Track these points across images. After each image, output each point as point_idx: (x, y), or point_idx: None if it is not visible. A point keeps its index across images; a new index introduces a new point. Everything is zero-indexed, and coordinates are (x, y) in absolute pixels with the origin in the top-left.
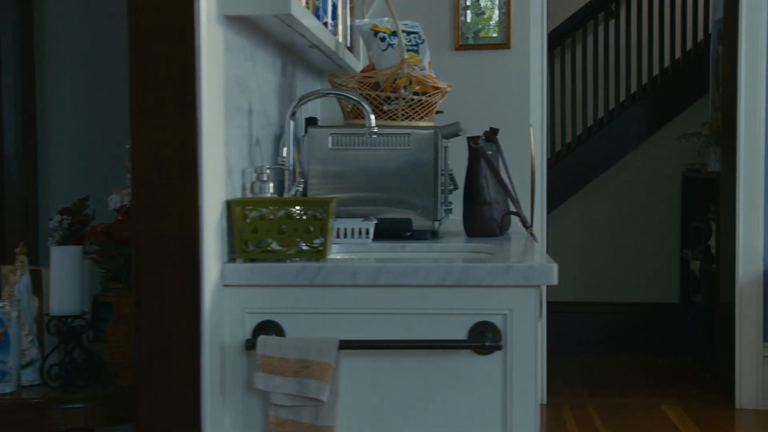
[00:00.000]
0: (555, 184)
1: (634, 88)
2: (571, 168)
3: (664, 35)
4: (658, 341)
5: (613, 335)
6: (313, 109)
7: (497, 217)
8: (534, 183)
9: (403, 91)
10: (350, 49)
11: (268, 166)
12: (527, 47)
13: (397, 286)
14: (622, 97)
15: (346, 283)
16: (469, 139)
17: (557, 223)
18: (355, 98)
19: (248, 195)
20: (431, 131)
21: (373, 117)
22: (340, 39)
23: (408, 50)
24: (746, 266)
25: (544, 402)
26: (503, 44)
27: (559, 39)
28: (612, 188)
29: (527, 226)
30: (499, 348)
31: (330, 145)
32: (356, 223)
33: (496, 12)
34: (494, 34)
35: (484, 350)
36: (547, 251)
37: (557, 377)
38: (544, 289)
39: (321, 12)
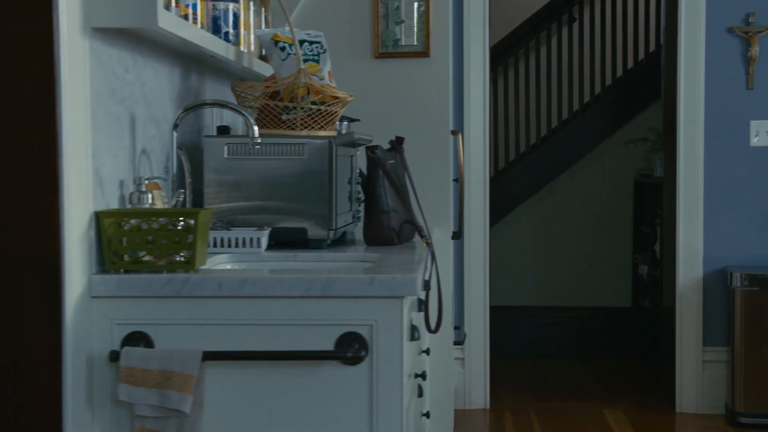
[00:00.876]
0: (509, 190)
1: (587, 97)
2: (525, 174)
3: (616, 45)
4: (610, 346)
5: (567, 340)
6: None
7: (395, 226)
8: (463, 190)
9: (301, 100)
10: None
11: (148, 177)
12: (447, 55)
13: (263, 297)
14: (576, 106)
15: (212, 294)
16: (367, 148)
17: (512, 228)
18: (237, 109)
19: (128, 206)
20: (326, 141)
21: (256, 128)
22: (249, 48)
23: (309, 60)
24: (686, 271)
25: (488, 407)
26: (422, 52)
27: (509, 47)
28: (566, 193)
29: (423, 235)
30: (363, 359)
31: (226, 155)
32: (248, 233)
33: (416, 21)
34: (414, 43)
35: (349, 360)
36: (498, 256)
37: (507, 382)
38: (485, 296)
39: (222, 22)
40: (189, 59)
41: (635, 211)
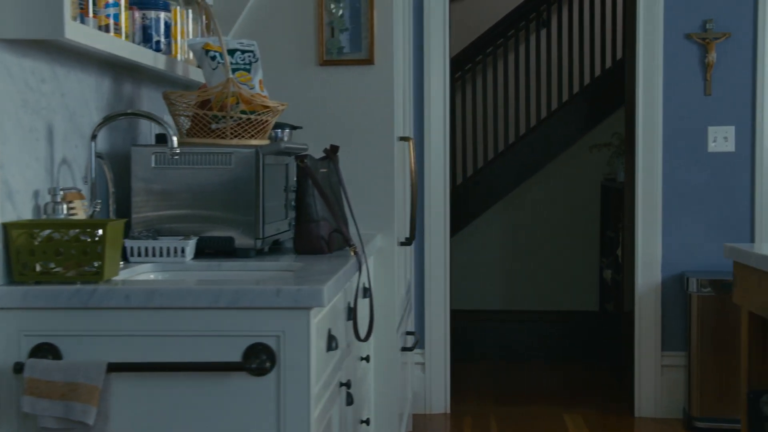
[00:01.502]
0: (478, 195)
1: (555, 104)
2: (493, 179)
3: (584, 53)
4: (577, 350)
5: (535, 344)
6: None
7: (325, 235)
8: (415, 196)
9: (230, 110)
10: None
11: (64, 188)
12: (391, 62)
13: (171, 309)
14: (544, 113)
15: (119, 305)
16: (297, 157)
17: (480, 232)
18: (156, 119)
19: (43, 216)
20: (252, 150)
21: (175, 139)
22: (187, 56)
23: (240, 69)
24: (645, 276)
25: (448, 412)
26: (367, 60)
27: (478, 52)
28: (535, 198)
29: (350, 244)
30: (269, 370)
31: (153, 164)
32: (173, 242)
33: (360, 28)
34: (358, 50)
35: (256, 372)
36: (466, 260)
37: (472, 386)
38: (445, 301)
39: (152, 31)
40: (121, 69)
41: (602, 215)
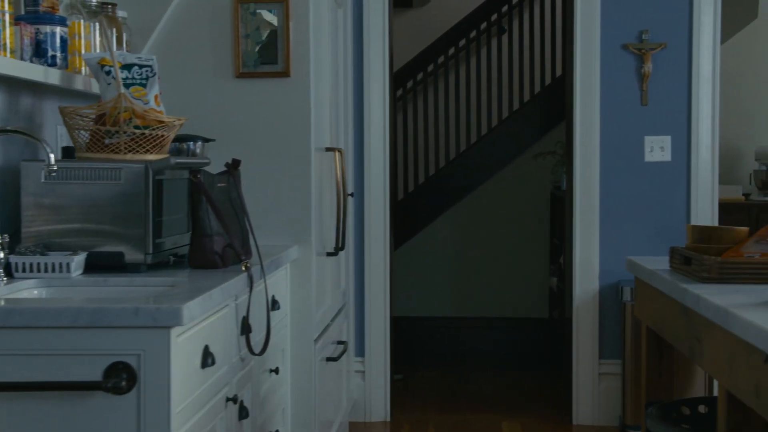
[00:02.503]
0: (428, 203)
1: (506, 112)
2: (444, 186)
3: (534, 63)
4: (527, 356)
5: (485, 351)
6: None
7: (218, 250)
8: (340, 206)
9: (123, 125)
10: None
11: None
12: (308, 75)
13: (31, 328)
14: (495, 121)
15: None
16: (191, 173)
17: (433, 239)
18: (32, 135)
19: None
20: (142, 165)
21: (52, 156)
22: (86, 70)
23: (135, 84)
24: (583, 284)
25: (388, 420)
26: (283, 72)
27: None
28: (487, 205)
29: (241, 259)
30: (125, 390)
31: (42, 179)
32: (58, 258)
33: (276, 40)
34: (274, 62)
35: (115, 391)
36: (417, 268)
37: (419, 393)
38: (385, 310)
39: (47, 46)
40: (17, 83)
41: (551, 222)
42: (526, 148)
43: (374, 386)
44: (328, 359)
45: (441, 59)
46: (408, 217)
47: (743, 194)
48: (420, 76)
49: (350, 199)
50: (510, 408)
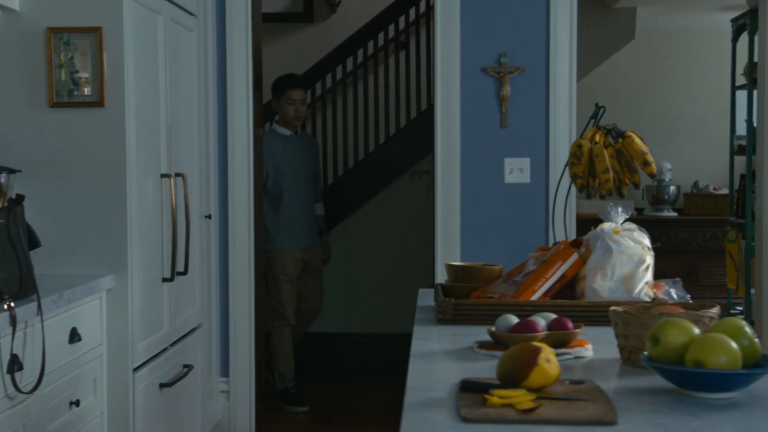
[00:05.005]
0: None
1: (393, 129)
2: (332, 204)
3: (420, 81)
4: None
5: (371, 366)
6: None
7: None
8: (176, 231)
9: None
10: None
11: None
12: (122, 104)
13: None
14: (382, 138)
15: None
16: None
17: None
18: None
19: None
20: None
21: None
22: None
23: None
24: None
25: None
26: (97, 102)
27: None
28: (376, 220)
29: (3, 298)
30: None
31: None
32: None
33: (90, 71)
34: (88, 93)
35: None
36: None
37: (310, 409)
38: (250, 329)
39: None
40: None
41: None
42: (413, 165)
43: (239, 406)
44: (162, 385)
45: (329, 77)
46: None
47: (636, 209)
48: (318, 91)
49: (209, 221)
50: (388, 421)
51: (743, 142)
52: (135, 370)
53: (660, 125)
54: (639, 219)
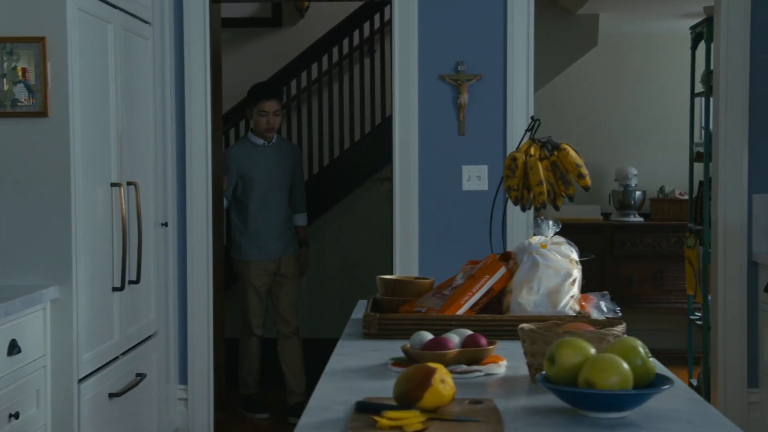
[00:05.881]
0: None
1: (358, 135)
2: None
3: (385, 87)
4: None
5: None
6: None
7: None
8: (125, 240)
9: None
10: None
11: None
12: (66, 114)
13: None
14: (347, 145)
15: None
16: None
17: None
18: None
19: None
20: None
21: None
22: None
23: None
24: None
25: None
26: (41, 112)
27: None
28: (339, 227)
29: None
30: None
31: None
32: None
33: (34, 81)
34: (31, 103)
35: None
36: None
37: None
38: (208, 337)
39: None
40: None
41: None
42: (377, 171)
43: (198, 413)
44: (112, 395)
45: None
46: None
47: (602, 214)
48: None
49: (166, 229)
50: None
51: (702, 149)
52: (81, 380)
53: (626, 130)
54: (605, 224)
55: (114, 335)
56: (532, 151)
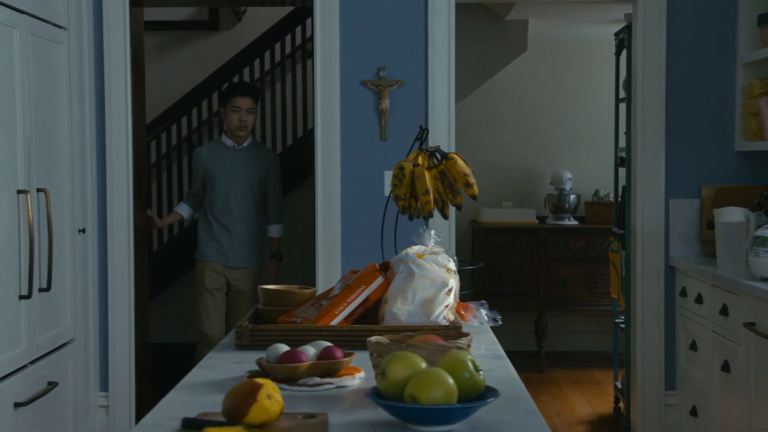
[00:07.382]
0: None
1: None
2: None
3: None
4: None
5: None
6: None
7: None
8: (33, 248)
9: None
10: None
11: None
12: None
13: None
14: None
15: None
16: None
17: None
18: None
19: None
20: None
21: None
22: None
23: None
24: None
25: None
26: None
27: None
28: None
29: None
30: None
31: None
32: None
33: None
34: None
35: None
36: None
37: None
38: (129, 345)
39: None
40: None
41: None
42: (309, 176)
43: (119, 421)
44: (17, 404)
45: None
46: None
47: (538, 217)
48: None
49: (83, 235)
50: None
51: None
52: None
53: (560, 134)
54: (540, 227)
55: (21, 343)
56: (419, 160)
